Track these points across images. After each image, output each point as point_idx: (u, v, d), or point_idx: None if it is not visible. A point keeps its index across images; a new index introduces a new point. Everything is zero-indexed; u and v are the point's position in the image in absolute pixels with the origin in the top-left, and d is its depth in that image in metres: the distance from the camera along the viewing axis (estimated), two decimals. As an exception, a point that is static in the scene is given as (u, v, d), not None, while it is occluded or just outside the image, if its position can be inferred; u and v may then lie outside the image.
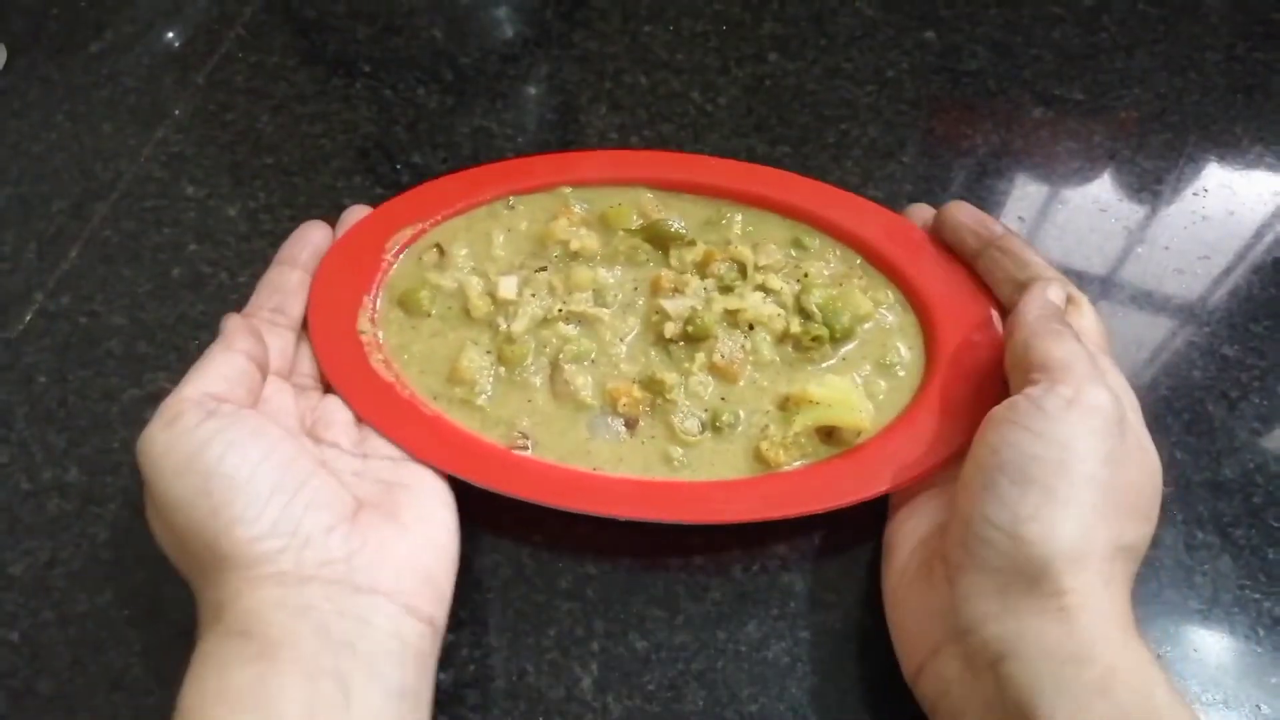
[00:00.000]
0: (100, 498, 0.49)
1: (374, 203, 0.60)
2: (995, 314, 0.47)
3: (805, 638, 0.44)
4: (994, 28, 0.65)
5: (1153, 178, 0.60)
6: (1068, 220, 0.58)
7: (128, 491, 0.49)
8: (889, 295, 0.50)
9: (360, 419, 0.46)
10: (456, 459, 0.45)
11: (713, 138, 0.61)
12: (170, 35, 0.66)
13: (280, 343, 0.47)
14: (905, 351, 0.49)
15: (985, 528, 0.36)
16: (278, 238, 0.57)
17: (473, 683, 0.43)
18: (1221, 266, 0.56)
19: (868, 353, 0.49)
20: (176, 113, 0.63)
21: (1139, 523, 0.38)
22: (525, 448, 0.47)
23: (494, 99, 0.64)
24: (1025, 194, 0.59)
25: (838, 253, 0.52)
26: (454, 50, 0.66)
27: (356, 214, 0.53)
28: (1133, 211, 0.58)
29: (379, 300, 0.51)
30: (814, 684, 0.43)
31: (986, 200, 0.59)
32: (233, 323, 0.45)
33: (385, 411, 0.46)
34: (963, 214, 0.49)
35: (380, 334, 0.50)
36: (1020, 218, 0.58)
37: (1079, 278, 0.55)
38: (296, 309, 0.48)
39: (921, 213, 0.52)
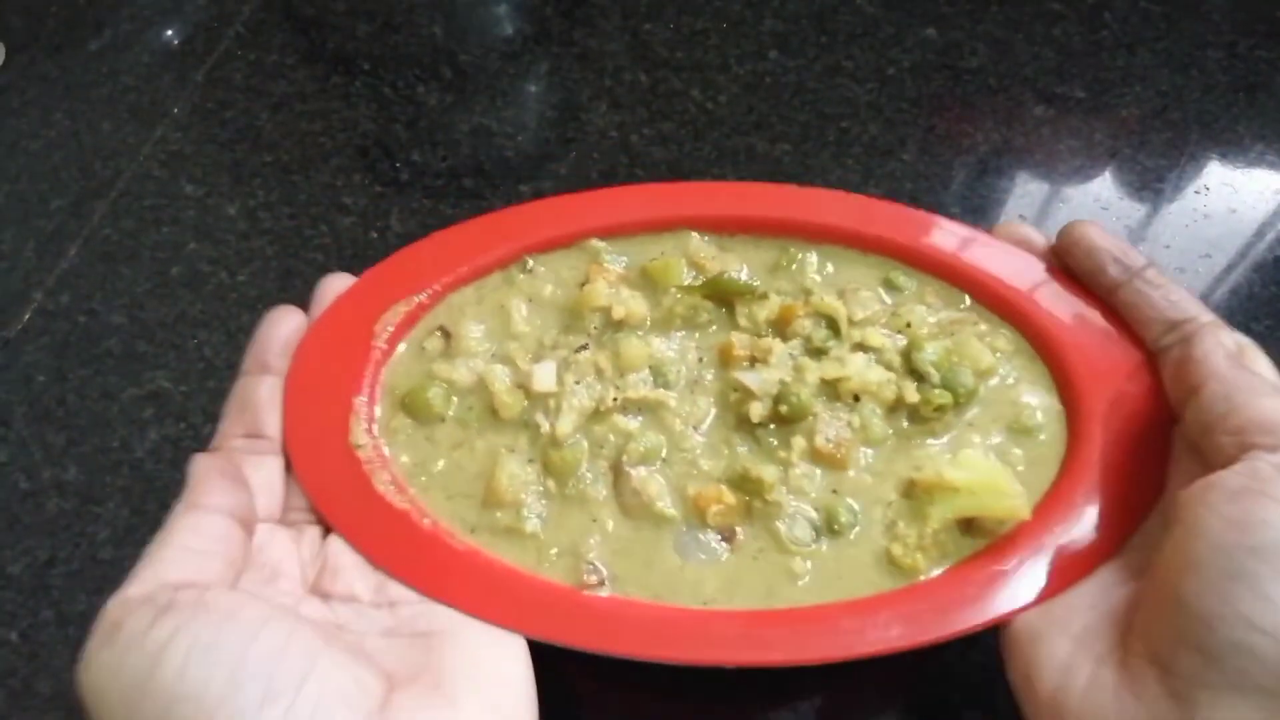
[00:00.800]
0: (99, 497, 0.49)
1: (374, 201, 0.59)
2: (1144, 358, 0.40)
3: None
4: (995, 25, 0.66)
5: (1154, 176, 0.60)
6: (1069, 218, 0.55)
7: (126, 491, 0.50)
8: (1008, 341, 0.43)
9: (373, 564, 0.38)
10: (507, 608, 0.37)
11: (713, 135, 0.61)
12: (169, 33, 0.67)
13: (265, 475, 0.38)
14: (1041, 411, 0.41)
15: (1244, 632, 0.29)
16: (277, 236, 0.58)
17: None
18: (1223, 265, 0.57)
19: (997, 415, 0.41)
20: (175, 111, 0.64)
21: None
22: (600, 584, 0.38)
23: (494, 97, 0.64)
24: (1026, 192, 0.59)
25: (938, 292, 0.44)
26: (454, 48, 0.67)
27: (333, 286, 0.44)
28: (1134, 210, 0.59)
29: (377, 404, 0.42)
30: (814, 684, 0.44)
31: (988, 199, 0.59)
32: (200, 467, 0.36)
33: (406, 552, 0.38)
34: (1099, 236, 0.41)
35: (386, 448, 0.41)
36: (1021, 216, 0.58)
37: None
38: (277, 426, 0.40)
39: (1014, 231, 0.44)
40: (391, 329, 0.43)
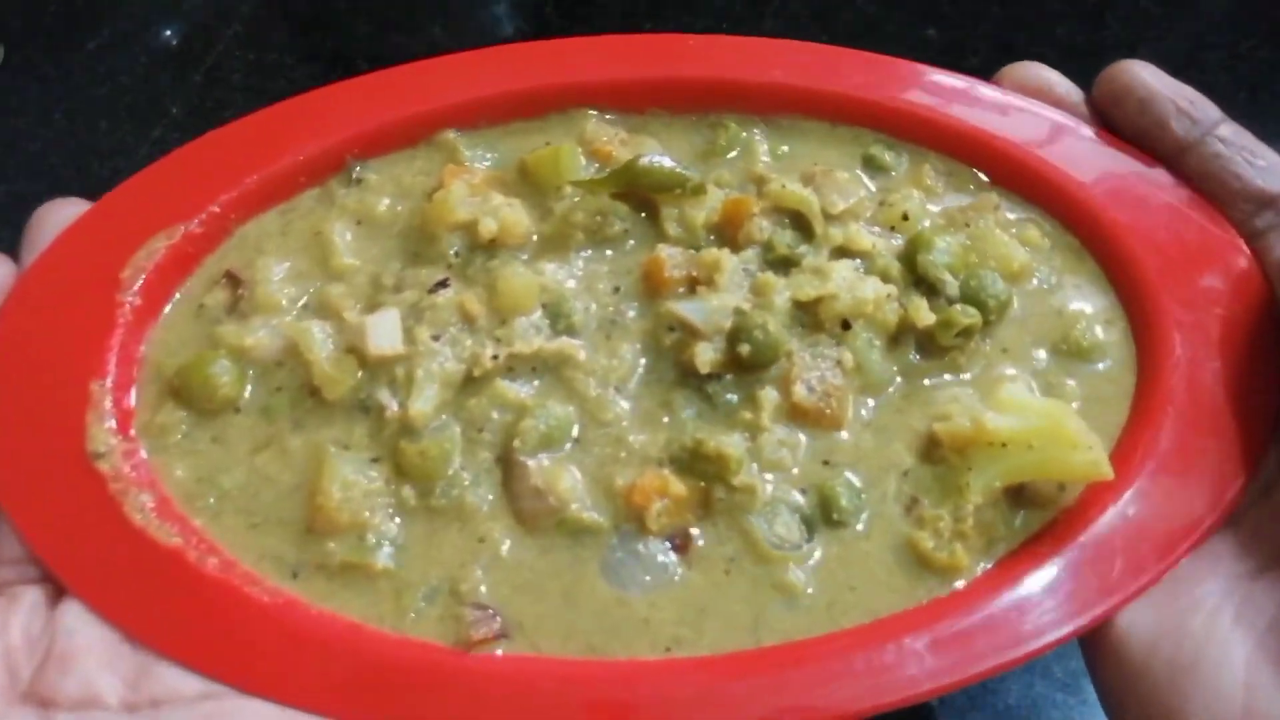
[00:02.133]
0: None
1: None
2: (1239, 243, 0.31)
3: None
4: (996, 25, 0.66)
5: None
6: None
7: None
8: (1043, 231, 0.32)
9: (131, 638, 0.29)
10: (351, 691, 0.27)
11: None
12: (168, 33, 0.68)
13: None
14: (1099, 324, 0.31)
15: None
16: None
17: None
18: None
19: (1040, 332, 0.31)
20: (174, 110, 0.64)
21: None
22: (495, 638, 0.26)
23: None
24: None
25: (939, 170, 0.33)
26: (453, 48, 0.66)
27: (57, 217, 0.33)
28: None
29: (132, 390, 0.31)
30: None
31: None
32: None
33: (181, 614, 0.28)
34: (1156, 81, 0.31)
35: (146, 454, 0.31)
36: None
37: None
38: None
39: (1028, 76, 0.34)
40: (146, 275, 0.32)
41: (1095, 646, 0.27)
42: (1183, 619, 0.26)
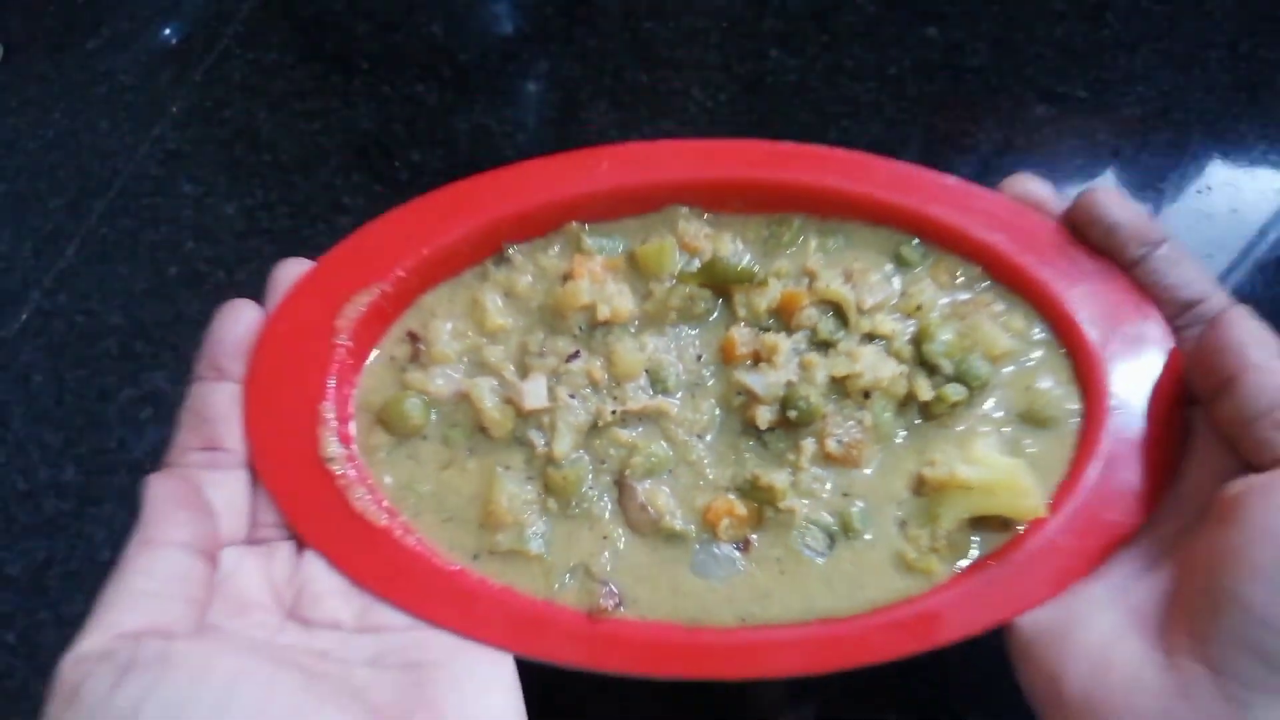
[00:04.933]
0: (97, 497, 0.53)
1: (372, 201, 0.62)
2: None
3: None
4: (996, 24, 0.70)
5: (1156, 175, 0.64)
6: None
7: (124, 492, 0.53)
8: (1024, 321, 0.43)
9: (355, 584, 0.39)
10: (513, 632, 0.39)
11: (714, 135, 0.67)
12: (167, 32, 0.71)
13: (228, 494, 0.39)
14: (1058, 393, 0.42)
15: None
16: (275, 235, 0.63)
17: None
18: (1225, 264, 0.61)
19: (1011, 401, 0.43)
20: (174, 110, 0.67)
21: None
22: (611, 608, 0.40)
23: (494, 96, 0.68)
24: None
25: (950, 268, 0.44)
26: (453, 47, 0.71)
27: (289, 273, 0.43)
28: (1132, 215, 0.66)
29: (351, 417, 0.43)
30: (816, 688, 0.47)
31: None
32: (154, 492, 0.35)
33: (389, 572, 0.39)
34: (1118, 211, 0.41)
35: (368, 462, 0.42)
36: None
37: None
38: (238, 438, 0.40)
39: (1023, 188, 0.44)
40: (353, 325, 0.42)
41: (1011, 635, 0.39)
42: (1069, 605, 0.37)
